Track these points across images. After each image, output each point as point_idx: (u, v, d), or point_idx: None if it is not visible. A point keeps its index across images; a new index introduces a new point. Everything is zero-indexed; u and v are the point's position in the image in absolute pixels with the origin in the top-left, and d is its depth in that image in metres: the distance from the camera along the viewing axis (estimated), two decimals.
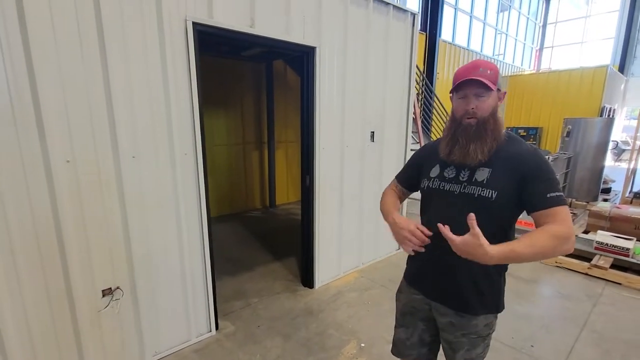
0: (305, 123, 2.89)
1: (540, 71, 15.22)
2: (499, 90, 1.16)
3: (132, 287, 2.02)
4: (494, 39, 13.48)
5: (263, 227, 4.89)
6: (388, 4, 3.23)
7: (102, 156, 1.83)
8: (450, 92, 1.24)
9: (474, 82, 1.11)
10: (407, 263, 1.46)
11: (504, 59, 14.15)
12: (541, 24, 16.28)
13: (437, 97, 8.90)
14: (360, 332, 2.49)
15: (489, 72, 1.12)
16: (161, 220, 2.09)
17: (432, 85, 9.36)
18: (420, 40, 9.52)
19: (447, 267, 1.23)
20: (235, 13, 2.25)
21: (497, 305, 1.26)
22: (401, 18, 3.43)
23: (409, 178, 1.50)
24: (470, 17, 11.80)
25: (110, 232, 1.90)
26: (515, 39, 14.87)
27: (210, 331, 2.42)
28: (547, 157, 5.84)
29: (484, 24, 12.62)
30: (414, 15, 3.52)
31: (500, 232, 1.16)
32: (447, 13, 10.54)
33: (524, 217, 1.21)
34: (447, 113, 9.14)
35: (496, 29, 13.47)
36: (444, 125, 9.31)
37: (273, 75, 5.49)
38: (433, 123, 8.96)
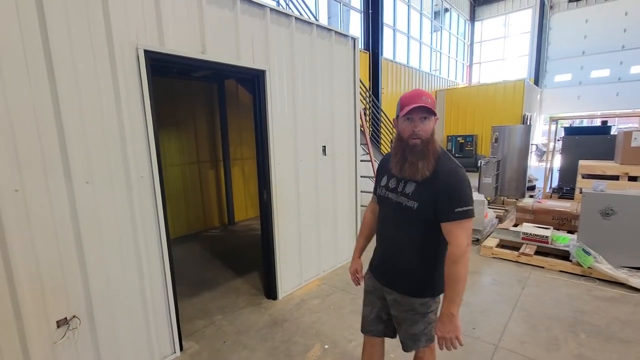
0: (260, 140, 3.04)
1: (471, 85, 16.94)
2: (435, 115, 1.38)
3: (90, 315, 1.98)
4: (430, 57, 14.75)
5: (223, 246, 4.87)
6: (330, 30, 3.53)
7: (54, 183, 1.81)
8: (397, 116, 1.43)
9: (420, 107, 1.33)
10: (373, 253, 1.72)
11: (440, 74, 15.51)
12: (469, 43, 18.16)
13: (383, 111, 9.52)
14: (323, 335, 2.62)
15: (429, 100, 1.35)
16: (119, 244, 2.09)
17: (378, 99, 10.00)
18: (364, 59, 10.17)
19: (392, 261, 1.55)
20: (186, 40, 2.36)
21: (431, 290, 1.50)
22: (343, 42, 3.75)
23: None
24: (408, 37, 12.85)
25: (64, 260, 1.87)
26: (449, 56, 16.41)
27: (175, 352, 2.41)
28: (480, 161, 6.53)
29: (420, 43, 13.80)
30: (354, 39, 3.87)
31: (428, 233, 1.42)
32: (387, 33, 11.40)
33: None
34: (393, 125, 9.78)
35: (431, 48, 14.78)
36: (391, 136, 9.91)
37: (225, 94, 5.56)
38: (382, 135, 9.54)
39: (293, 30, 3.11)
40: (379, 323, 1.68)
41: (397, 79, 11.97)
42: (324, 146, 3.62)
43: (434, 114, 1.36)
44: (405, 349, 1.60)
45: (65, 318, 1.89)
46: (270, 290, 3.22)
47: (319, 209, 3.59)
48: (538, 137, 14.69)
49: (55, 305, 1.85)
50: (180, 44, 2.32)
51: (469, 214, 1.31)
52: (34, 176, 1.74)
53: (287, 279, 3.30)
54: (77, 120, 1.87)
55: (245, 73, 2.84)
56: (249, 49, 2.78)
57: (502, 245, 4.29)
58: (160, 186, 2.26)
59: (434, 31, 14.94)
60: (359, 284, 1.80)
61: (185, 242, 5.03)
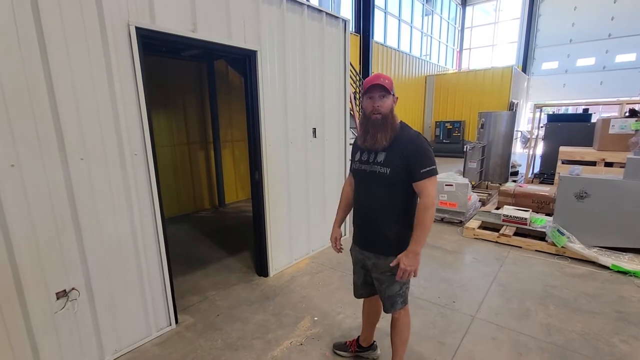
0: (251, 122, 3.07)
1: (461, 70, 17.02)
2: (393, 95, 1.63)
3: (88, 287, 2.05)
4: (420, 41, 14.71)
5: (214, 226, 4.94)
6: (321, 11, 3.53)
7: (49, 159, 1.84)
8: (361, 95, 1.71)
9: (378, 86, 1.58)
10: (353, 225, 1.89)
11: (430, 59, 15.52)
12: (460, 28, 18.13)
13: None
14: (313, 309, 2.76)
15: (386, 81, 1.59)
16: (114, 220, 2.14)
17: None
18: (355, 42, 10.10)
19: (368, 225, 1.75)
20: (177, 18, 2.35)
21: (401, 249, 1.64)
22: (334, 24, 3.76)
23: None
24: (399, 20, 12.76)
25: (61, 234, 1.91)
26: (439, 41, 16.39)
27: (170, 325, 2.51)
28: (465, 147, 6.69)
29: (411, 27, 13.73)
30: (345, 21, 3.88)
31: (400, 196, 1.64)
32: (378, 16, 11.29)
33: None
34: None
35: (422, 32, 14.73)
36: None
37: (215, 75, 5.51)
38: None
39: (284, 10, 3.11)
40: (366, 286, 1.93)
41: (388, 63, 11.95)
42: (314, 128, 3.67)
43: (391, 93, 1.60)
44: (385, 310, 1.82)
45: (64, 290, 1.96)
46: (261, 268, 3.33)
47: (309, 190, 3.68)
48: (524, 124, 15.00)
49: (54, 278, 1.91)
50: (171, 21, 2.32)
51: (434, 172, 1.56)
52: (29, 152, 1.77)
53: (278, 257, 3.41)
54: (70, 97, 1.88)
55: (237, 53, 2.85)
56: (240, 28, 2.78)
57: (484, 227, 4.49)
58: (154, 164, 2.30)
59: (425, 15, 14.85)
60: (340, 251, 1.98)
61: (176, 223, 5.08)
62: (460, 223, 4.83)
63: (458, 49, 18.41)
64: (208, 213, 5.60)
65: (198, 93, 5.50)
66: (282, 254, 3.46)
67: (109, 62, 2.01)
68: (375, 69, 11.11)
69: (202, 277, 3.33)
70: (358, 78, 8.90)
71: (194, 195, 5.63)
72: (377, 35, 11.21)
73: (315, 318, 2.64)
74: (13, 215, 1.73)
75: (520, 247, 3.97)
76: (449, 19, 16.95)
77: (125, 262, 2.22)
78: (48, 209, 1.86)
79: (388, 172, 1.59)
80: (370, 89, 1.59)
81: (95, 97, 1.99)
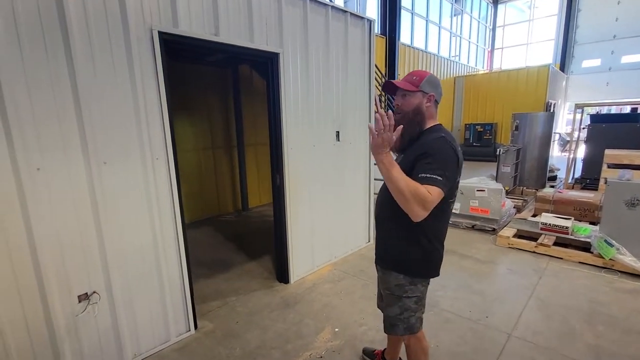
0: (273, 125, 3.03)
1: (492, 71, 16.35)
2: (424, 92, 1.44)
3: (109, 291, 2.06)
4: (449, 42, 14.28)
5: (236, 230, 4.95)
6: (345, 11, 3.45)
7: (74, 163, 1.87)
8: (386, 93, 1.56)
9: (393, 85, 1.47)
10: None
11: (459, 60, 15.02)
12: (491, 27, 17.44)
13: None
14: (334, 319, 2.65)
15: (414, 78, 1.46)
16: (135, 224, 2.14)
17: None
18: (380, 44, 9.94)
19: (379, 234, 1.65)
20: (200, 22, 2.35)
21: (405, 269, 1.51)
22: (358, 24, 3.66)
23: None
24: (426, 21, 12.45)
25: (83, 237, 1.93)
26: (469, 41, 15.83)
27: (190, 330, 2.49)
28: (498, 150, 6.33)
29: (439, 27, 13.35)
30: (370, 21, 3.77)
31: None
32: (405, 18, 11.07)
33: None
34: None
35: (451, 32, 14.29)
36: None
37: (239, 80, 5.56)
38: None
39: (307, 11, 3.05)
40: (382, 300, 1.77)
41: (414, 65, 11.67)
42: (338, 131, 3.58)
43: (415, 90, 1.42)
44: (385, 329, 1.69)
45: (86, 293, 1.97)
46: (282, 274, 3.26)
47: (332, 195, 3.58)
48: (562, 125, 14.12)
49: (77, 281, 1.93)
50: (194, 25, 2.31)
51: (430, 181, 1.26)
52: (54, 156, 1.80)
53: (299, 264, 3.33)
54: (93, 101, 1.90)
55: (259, 56, 2.81)
56: (262, 30, 2.75)
57: (520, 235, 4.19)
58: (175, 168, 2.29)
59: (454, 15, 14.41)
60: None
61: (200, 226, 5.14)
62: (493, 231, 4.54)
63: (489, 49, 17.71)
64: (231, 217, 5.63)
65: (223, 98, 5.57)
66: (303, 260, 3.38)
67: (132, 66, 2.03)
68: (402, 71, 10.88)
69: (223, 282, 3.31)
70: (383, 80, 8.73)
71: (218, 199, 5.68)
72: (404, 37, 10.98)
73: (336, 329, 2.52)
74: (38, 217, 1.76)
75: (561, 258, 3.65)
76: (479, 18, 16.36)
77: (146, 266, 2.22)
78: (71, 212, 1.88)
79: None
80: (393, 87, 1.49)
81: (118, 102, 2.00)
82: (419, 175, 1.28)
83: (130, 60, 2.02)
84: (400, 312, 1.56)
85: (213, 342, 2.41)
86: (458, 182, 1.46)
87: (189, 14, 2.27)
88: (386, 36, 10.01)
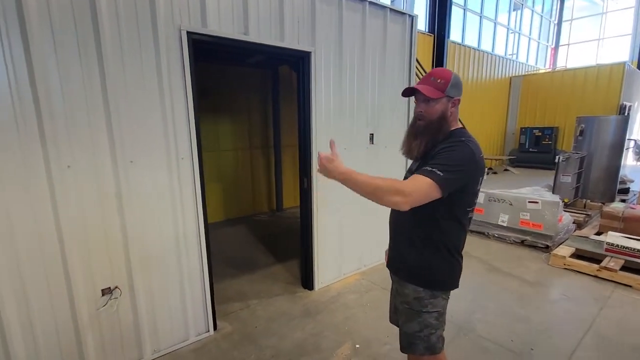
0: (302, 126, 2.94)
1: (555, 70, 14.87)
2: (450, 97, 1.32)
3: (131, 286, 2.10)
4: (506, 38, 13.24)
5: (268, 231, 4.96)
6: (384, 7, 3.26)
7: (101, 161, 1.92)
8: (403, 96, 1.47)
9: (418, 91, 1.33)
10: None
11: (517, 58, 13.87)
12: (556, 22, 15.89)
13: None
14: (356, 334, 2.49)
15: (439, 81, 1.31)
16: (158, 223, 2.17)
17: None
18: (428, 43, 9.47)
19: (395, 244, 1.53)
20: (229, 21, 2.32)
21: (427, 281, 1.39)
22: (398, 21, 3.44)
23: None
24: (480, 17, 11.64)
25: (108, 233, 1.99)
26: (529, 38, 14.56)
27: (208, 331, 2.48)
28: (558, 157, 5.70)
29: (495, 23, 12.43)
30: (412, 17, 3.53)
31: (433, 218, 1.33)
32: (457, 14, 10.45)
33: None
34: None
35: (508, 28, 13.24)
36: None
37: (279, 81, 5.58)
38: None
39: (343, 9, 2.92)
40: (395, 313, 1.64)
41: (465, 64, 10.96)
42: (372, 134, 3.40)
43: (441, 96, 1.30)
44: (401, 348, 1.51)
45: (109, 287, 2.03)
46: (306, 280, 3.16)
47: (363, 200, 3.39)
48: (639, 131, 12.42)
49: (100, 275, 1.99)
50: (223, 24, 2.29)
51: (429, 173, 1.18)
52: (83, 153, 1.86)
53: (325, 271, 3.21)
54: (122, 100, 1.94)
55: (290, 55, 2.74)
56: (294, 29, 2.67)
57: (579, 255, 3.68)
58: (200, 168, 2.29)
59: (514, 10, 13.32)
60: None
61: (235, 224, 5.23)
62: (547, 248, 4.05)
63: (553, 46, 16.15)
64: (265, 217, 5.67)
65: (262, 99, 5.63)
66: (329, 267, 3.25)
67: (160, 66, 2.05)
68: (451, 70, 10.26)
69: (247, 283, 3.29)
70: None
71: (254, 199, 5.76)
72: (455, 35, 10.36)
73: (357, 345, 2.36)
74: (66, 212, 1.83)
75: (630, 287, 3.12)
76: (542, 12, 14.97)
77: (167, 264, 2.24)
78: (98, 208, 1.94)
79: None
80: (413, 92, 1.38)
81: (145, 102, 2.03)
82: (424, 168, 1.22)
83: (158, 60, 2.04)
84: (420, 329, 1.42)
85: (229, 345, 2.37)
86: (478, 190, 1.36)
87: (218, 13, 2.26)
88: (434, 34, 9.51)
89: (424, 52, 9.32)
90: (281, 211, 5.92)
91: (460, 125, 1.40)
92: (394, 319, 1.67)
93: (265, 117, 5.72)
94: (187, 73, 2.17)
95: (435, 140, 1.33)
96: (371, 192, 1.21)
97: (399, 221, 1.49)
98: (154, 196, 2.13)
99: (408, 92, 1.40)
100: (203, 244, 2.37)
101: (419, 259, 1.40)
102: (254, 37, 2.45)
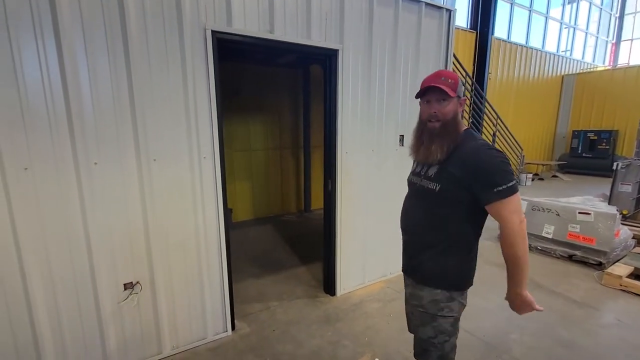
0: (328, 126, 2.86)
1: (616, 67, 13.49)
2: (459, 97, 1.34)
3: (152, 282, 2.14)
4: (558, 34, 12.24)
5: (295, 231, 4.93)
6: (419, 1, 3.08)
7: (126, 158, 1.97)
8: (415, 97, 1.41)
9: (436, 89, 1.30)
10: None
11: (571, 55, 12.78)
12: (617, 15, 14.43)
13: (487, 101, 8.32)
14: (376, 345, 2.36)
15: (450, 81, 1.31)
16: (179, 219, 2.19)
17: (482, 86, 8.76)
18: (469, 40, 9.00)
19: (412, 248, 1.50)
20: (255, 19, 2.29)
21: (443, 281, 1.36)
22: (435, 15, 3.25)
23: None
24: (530, 11, 10.86)
25: (131, 228, 2.03)
26: (586, 33, 13.36)
27: (226, 331, 2.47)
28: (616, 163, 5.12)
29: (547, 18, 11.53)
30: (449, 11, 3.32)
31: (456, 221, 1.33)
32: (502, 8, 9.82)
33: None
34: (497, 116, 8.50)
35: (561, 23, 12.23)
36: (494, 129, 8.62)
37: (310, 80, 5.54)
38: (484, 128, 8.37)
39: (373, 3, 2.80)
40: (410, 320, 1.61)
41: (510, 62, 10.27)
42: (402, 135, 3.23)
43: (454, 95, 1.31)
44: (414, 354, 1.51)
45: (131, 282, 2.08)
46: (328, 285, 3.07)
47: (391, 205, 3.24)
48: None
49: (123, 269, 2.04)
50: (248, 23, 2.27)
51: (511, 191, 1.22)
52: (109, 151, 1.91)
53: (348, 276, 3.10)
54: (147, 99, 1.97)
55: (316, 53, 2.67)
56: (321, 26, 2.60)
57: (638, 275, 3.25)
58: (222, 168, 2.29)
59: (568, 2, 12.29)
60: None
61: (264, 224, 5.26)
62: (600, 265, 3.62)
63: (613, 41, 14.69)
64: (293, 217, 5.65)
65: (293, 99, 5.62)
66: (353, 272, 3.13)
67: (185, 66, 2.06)
68: (495, 69, 9.68)
69: (270, 284, 3.27)
70: (470, 81, 7.87)
71: (282, 199, 5.76)
72: (500, 31, 9.74)
73: (377, 359, 2.23)
74: (92, 208, 1.89)
75: None
76: (602, 4, 13.67)
77: (187, 262, 2.26)
78: (122, 204, 1.99)
79: (438, 188, 1.32)
80: (427, 91, 1.35)
81: (170, 100, 2.06)
82: (494, 190, 1.22)
83: (183, 60, 2.06)
84: (434, 335, 1.40)
85: (246, 347, 2.35)
86: None
87: (243, 11, 2.24)
88: (477, 31, 8.99)
89: (465, 49, 8.86)
90: (309, 212, 5.88)
91: (465, 126, 1.39)
92: (411, 327, 1.60)
93: (296, 117, 5.71)
94: (211, 73, 2.16)
95: (455, 142, 1.31)
96: (524, 258, 1.25)
97: (413, 223, 1.48)
98: (176, 194, 2.16)
99: (431, 89, 1.33)
100: (223, 243, 2.37)
101: (435, 261, 1.37)
102: (279, 35, 2.40)
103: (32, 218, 1.76)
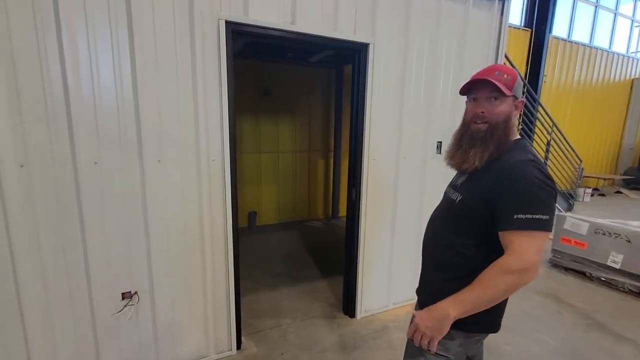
0: (354, 129, 2.57)
1: None
2: (515, 97, 1.09)
3: (151, 293, 1.98)
4: (629, 32, 10.89)
5: (320, 240, 4.66)
6: None
7: (128, 158, 1.82)
8: (460, 93, 1.17)
9: (487, 84, 1.07)
10: None
11: None
12: None
13: (541, 105, 7.52)
14: None
15: (505, 76, 1.07)
16: (183, 225, 2.02)
17: (536, 90, 7.95)
18: (522, 39, 8.22)
19: (424, 268, 1.29)
20: (274, 9, 2.07)
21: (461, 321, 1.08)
22: (485, 6, 2.83)
23: None
24: (596, 7, 9.74)
25: (131, 233, 1.88)
26: None
27: (231, 350, 2.27)
28: None
29: (615, 14, 10.29)
30: (502, 2, 2.89)
31: (477, 245, 1.08)
32: (563, 4, 8.88)
33: None
34: (553, 123, 7.66)
35: (633, 20, 10.87)
36: (549, 137, 7.79)
37: (343, 82, 5.27)
38: (536, 135, 7.56)
39: None
40: None
41: (570, 63, 9.25)
42: (440, 142, 2.85)
43: (509, 94, 1.06)
44: None
45: (130, 292, 1.93)
46: (348, 305, 2.77)
47: (422, 219, 2.87)
48: None
49: (121, 278, 1.89)
50: (267, 13, 2.06)
51: (537, 225, 0.95)
52: (110, 151, 1.77)
53: (371, 297, 2.77)
54: (152, 97, 1.82)
55: (343, 47, 2.39)
56: (350, 17, 2.32)
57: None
58: (231, 171, 2.09)
59: None
60: None
61: (288, 229, 5.06)
62: None
63: None
64: (319, 223, 5.39)
65: (324, 100, 5.38)
66: (376, 292, 2.80)
67: (194, 61, 1.89)
68: (551, 71, 8.77)
69: (285, 297, 3.03)
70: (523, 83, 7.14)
71: (309, 203, 5.53)
72: (559, 29, 8.81)
73: None
74: (89, 208, 1.76)
75: None
76: None
77: (190, 273, 2.08)
78: (121, 206, 1.84)
79: (459, 199, 1.13)
80: (474, 86, 1.11)
81: (177, 99, 1.89)
82: (514, 217, 0.96)
83: (193, 55, 1.89)
84: None
85: None
86: None
87: (262, 1, 2.02)
88: (532, 29, 8.19)
89: (517, 49, 8.10)
90: (336, 219, 5.59)
91: (519, 135, 1.14)
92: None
93: (327, 120, 5.45)
94: (222, 69, 1.96)
95: (501, 151, 1.07)
96: (500, 295, 1.00)
97: (427, 239, 1.30)
98: (180, 198, 1.98)
99: (481, 83, 1.09)
100: (230, 253, 2.16)
101: (442, 287, 1.12)
102: (301, 26, 2.16)
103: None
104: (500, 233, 1.00)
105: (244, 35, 2.07)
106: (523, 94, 7.09)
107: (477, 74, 1.12)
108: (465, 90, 1.14)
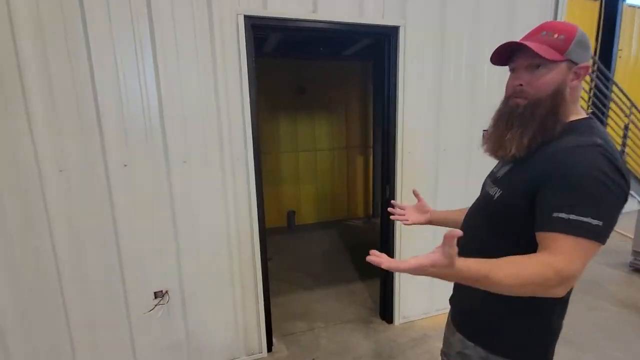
0: (385, 121, 2.39)
1: None
2: (573, 62, 0.80)
3: (181, 292, 2.00)
4: None
5: (359, 239, 4.50)
6: None
7: (155, 160, 1.86)
8: (491, 62, 0.93)
9: (525, 49, 0.81)
10: None
11: None
12: None
13: (615, 83, 6.55)
14: None
15: (555, 36, 0.80)
16: (210, 224, 2.01)
17: (610, 67, 6.94)
18: (590, 10, 7.23)
19: (462, 286, 0.87)
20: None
21: (478, 333, 0.94)
22: None
23: None
24: None
25: (161, 235, 1.92)
26: None
27: (261, 352, 2.23)
28: None
29: None
30: None
31: (510, 243, 0.85)
32: None
33: None
34: (632, 104, 6.63)
35: None
36: (625, 121, 6.77)
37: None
38: (609, 116, 6.60)
39: None
40: None
41: None
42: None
43: (560, 59, 0.79)
44: None
45: (162, 291, 1.97)
46: (385, 310, 2.59)
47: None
48: None
49: (154, 277, 1.94)
50: (286, 4, 1.97)
51: (586, 231, 0.69)
52: (139, 153, 1.82)
53: (410, 302, 2.57)
54: (176, 98, 1.84)
55: (370, 33, 2.24)
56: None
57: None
58: (255, 170, 2.04)
59: None
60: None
61: (327, 228, 4.97)
62: None
63: None
64: (359, 222, 5.22)
65: (361, 94, 5.19)
66: (415, 298, 2.59)
67: (215, 59, 1.87)
68: (627, 45, 7.62)
69: (320, 299, 2.93)
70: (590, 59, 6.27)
71: (348, 202, 5.38)
72: None
73: None
74: (121, 210, 1.82)
75: None
76: None
77: (219, 272, 2.07)
78: (149, 208, 1.88)
79: (497, 195, 0.88)
80: (513, 52, 0.86)
81: (200, 99, 1.89)
82: (553, 215, 0.72)
83: (213, 53, 1.86)
84: None
85: None
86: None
87: None
88: None
89: (583, 23, 7.13)
90: (376, 217, 5.35)
91: (585, 114, 0.84)
92: None
93: (365, 114, 5.26)
94: (243, 65, 1.92)
95: (547, 135, 0.81)
96: (525, 292, 0.73)
97: (469, 247, 0.90)
98: (206, 198, 1.98)
99: (500, 55, 0.89)
100: (257, 256, 2.12)
101: (504, 317, 0.89)
102: (324, 14, 2.04)
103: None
104: (537, 234, 0.76)
105: (264, 28, 2.01)
106: (593, 72, 6.23)
107: (522, 38, 0.87)
108: (495, 57, 0.90)
